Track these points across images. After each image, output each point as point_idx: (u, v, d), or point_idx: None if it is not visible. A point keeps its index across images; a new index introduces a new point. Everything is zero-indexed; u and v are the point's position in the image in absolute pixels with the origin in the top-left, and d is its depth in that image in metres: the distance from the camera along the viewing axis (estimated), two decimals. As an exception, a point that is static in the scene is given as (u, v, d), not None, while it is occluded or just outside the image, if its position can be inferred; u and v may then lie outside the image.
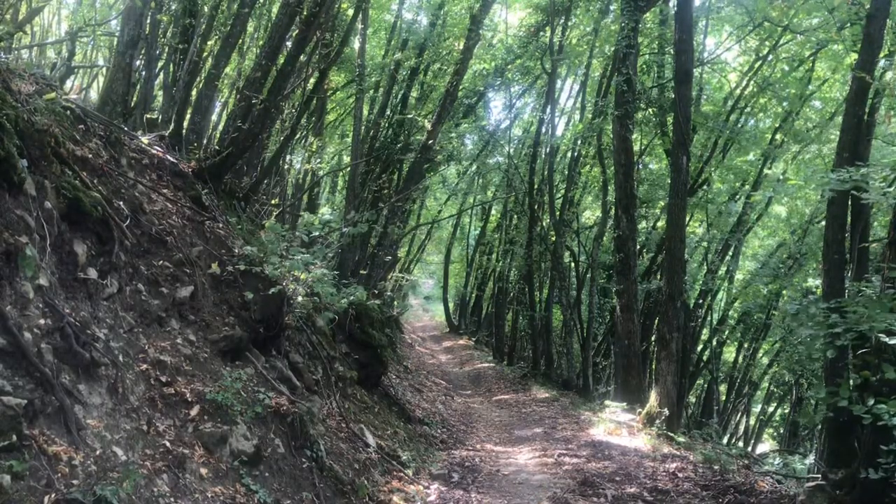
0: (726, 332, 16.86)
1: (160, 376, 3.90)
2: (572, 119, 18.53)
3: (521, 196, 17.06)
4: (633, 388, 10.08)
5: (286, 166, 11.70)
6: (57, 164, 3.89)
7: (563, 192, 16.09)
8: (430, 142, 12.66)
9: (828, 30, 10.39)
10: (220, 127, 9.45)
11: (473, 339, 21.69)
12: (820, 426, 11.32)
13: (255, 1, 8.65)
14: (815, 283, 13.27)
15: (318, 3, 7.09)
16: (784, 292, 14.78)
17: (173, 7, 8.24)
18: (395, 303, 17.19)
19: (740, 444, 16.34)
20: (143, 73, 7.88)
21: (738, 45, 14.64)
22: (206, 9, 8.38)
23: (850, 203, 6.20)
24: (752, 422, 19.25)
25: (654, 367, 10.74)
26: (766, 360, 17.87)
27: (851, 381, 4.94)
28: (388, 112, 14.48)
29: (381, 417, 7.44)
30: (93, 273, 3.80)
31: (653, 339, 13.10)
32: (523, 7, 16.73)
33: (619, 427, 8.59)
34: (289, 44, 7.93)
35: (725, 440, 14.96)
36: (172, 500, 3.21)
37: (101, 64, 11.01)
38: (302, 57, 8.49)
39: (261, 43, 9.45)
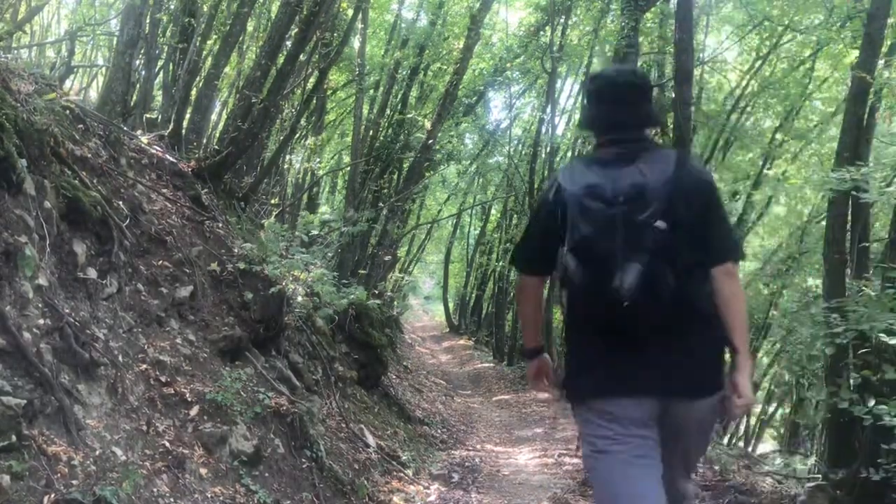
0: (726, 332, 16.81)
1: (160, 376, 3.89)
2: (573, 118, 18.52)
3: (521, 196, 17.05)
4: (634, 388, 10.05)
5: (286, 166, 11.69)
6: (56, 163, 3.89)
7: (563, 191, 16.07)
8: (430, 141, 12.66)
9: (828, 28, 10.39)
10: (220, 126, 9.43)
11: (473, 339, 21.66)
12: (820, 426, 11.30)
13: (255, 0, 8.65)
14: (815, 282, 13.26)
15: (318, 3, 7.08)
16: (784, 292, 14.77)
17: (173, 6, 8.23)
18: (395, 303, 17.18)
19: (741, 444, 16.33)
20: (143, 72, 7.87)
21: (738, 45, 14.65)
22: (205, 8, 8.37)
23: (850, 203, 6.18)
24: (752, 422, 19.23)
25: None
26: (766, 360, 17.86)
27: (852, 382, 4.93)
28: (387, 111, 14.47)
29: (381, 417, 7.44)
30: (92, 273, 3.79)
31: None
32: (523, 6, 16.73)
33: (619, 427, 8.56)
34: (288, 43, 7.92)
35: (726, 440, 14.95)
36: (172, 500, 3.20)
37: (100, 64, 11.00)
38: (302, 56, 8.48)
39: (260, 42, 9.43)
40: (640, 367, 2.03)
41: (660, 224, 1.96)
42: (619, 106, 2.19)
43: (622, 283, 1.92)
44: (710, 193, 2.12)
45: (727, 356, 2.15)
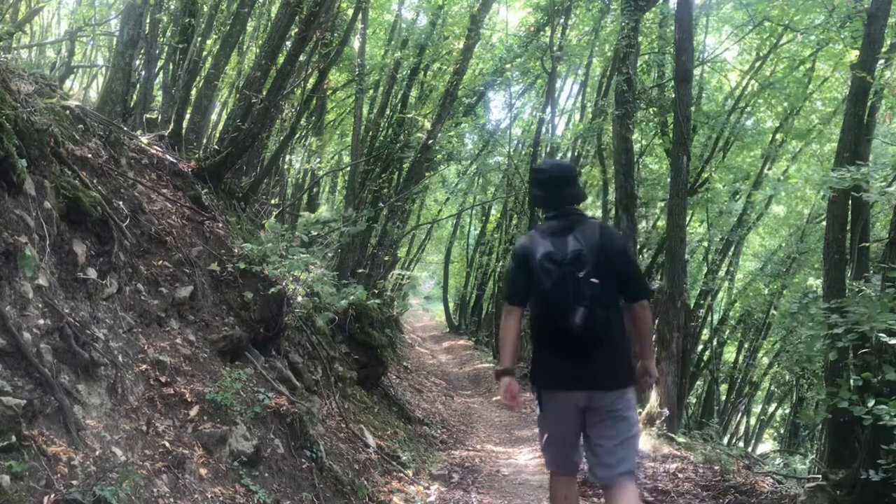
0: (727, 332, 16.84)
1: (160, 376, 3.89)
2: (572, 119, 18.54)
3: (521, 196, 17.06)
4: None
5: (286, 166, 11.70)
6: (56, 163, 3.89)
7: (562, 191, 16.05)
8: (430, 141, 12.66)
9: (828, 28, 10.39)
10: (220, 127, 9.44)
11: (473, 339, 21.64)
12: (820, 426, 11.31)
13: (255, 0, 8.65)
14: (815, 282, 13.27)
15: (317, 3, 7.08)
16: (784, 292, 14.78)
17: (173, 6, 8.23)
18: (395, 303, 17.17)
19: (741, 444, 16.33)
20: (143, 72, 7.87)
21: (738, 45, 14.65)
22: (205, 8, 8.37)
23: (850, 203, 6.18)
24: (752, 422, 19.25)
25: (654, 366, 10.70)
26: (766, 361, 17.87)
27: (852, 382, 4.92)
28: (387, 111, 14.47)
29: (380, 417, 7.44)
30: (92, 273, 3.79)
31: (653, 339, 13.06)
32: (523, 6, 16.73)
33: (619, 427, 8.54)
34: (288, 43, 7.92)
35: (726, 440, 14.96)
36: (172, 500, 3.20)
37: (100, 64, 11.00)
38: (302, 56, 8.48)
39: (260, 42, 9.44)
40: (579, 371, 3.07)
41: (594, 280, 3.00)
42: (558, 191, 3.24)
43: (574, 321, 2.95)
44: (623, 254, 3.19)
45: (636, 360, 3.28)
